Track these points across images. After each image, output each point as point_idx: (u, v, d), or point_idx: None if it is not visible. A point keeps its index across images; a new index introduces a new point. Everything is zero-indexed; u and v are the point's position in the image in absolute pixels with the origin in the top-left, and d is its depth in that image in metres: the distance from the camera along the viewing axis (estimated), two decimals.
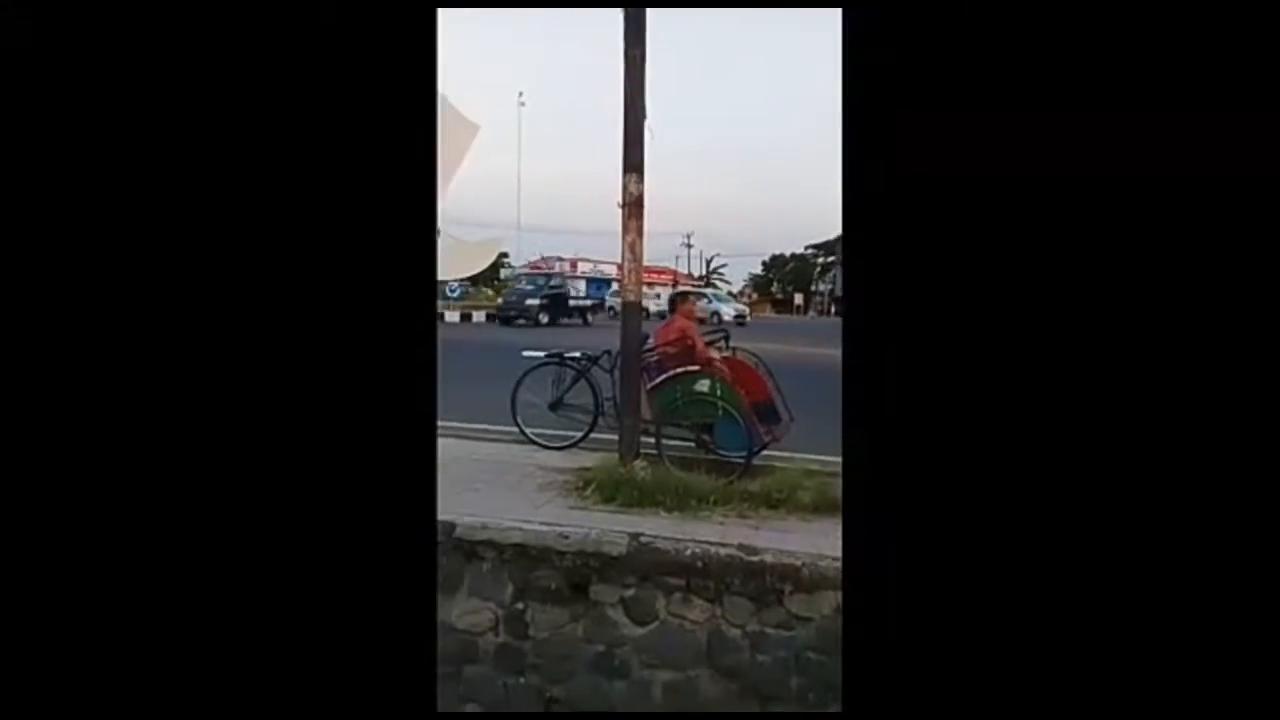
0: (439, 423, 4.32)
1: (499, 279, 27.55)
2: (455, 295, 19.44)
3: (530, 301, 18.60)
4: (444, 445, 4.04)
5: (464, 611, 2.71)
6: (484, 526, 2.72)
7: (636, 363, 3.65)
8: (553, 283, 20.56)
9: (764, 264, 49.08)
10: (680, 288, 7.24)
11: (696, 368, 3.77)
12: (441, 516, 2.76)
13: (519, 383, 4.20)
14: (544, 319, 18.00)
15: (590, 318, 20.02)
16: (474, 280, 21.75)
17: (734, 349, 4.21)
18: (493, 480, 3.37)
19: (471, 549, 2.72)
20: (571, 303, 19.56)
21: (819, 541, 2.57)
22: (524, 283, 20.68)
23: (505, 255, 26.21)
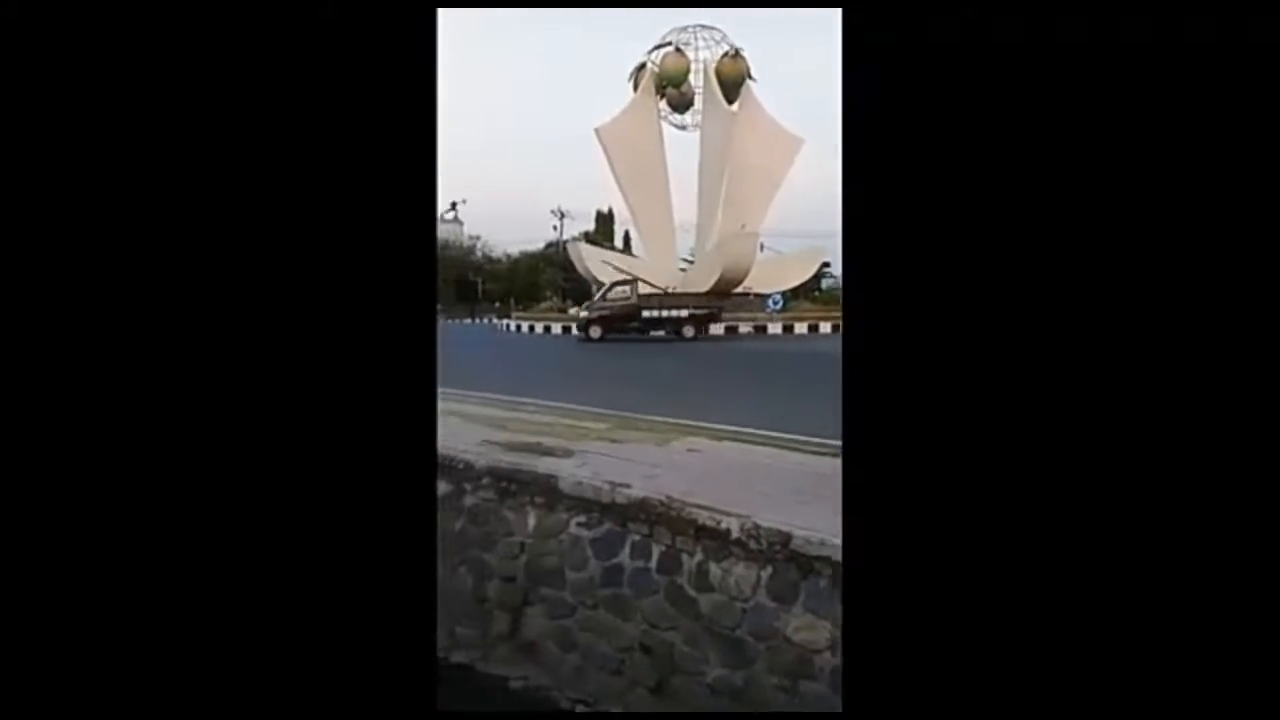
0: (759, 431, 4.35)
1: (820, 289, 27.25)
2: (777, 307, 19.70)
3: (583, 314, 17.19)
4: (768, 455, 4.11)
5: (799, 626, 2.69)
6: (822, 543, 2.66)
7: None
8: (610, 294, 17.62)
9: None
10: None
11: None
12: (776, 526, 2.78)
13: None
14: (595, 334, 16.47)
15: (689, 331, 16.84)
16: (795, 292, 21.85)
17: None
18: (822, 494, 3.29)
19: (808, 563, 2.69)
20: (648, 313, 16.90)
21: None
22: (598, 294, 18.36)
23: (827, 265, 25.84)
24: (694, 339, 16.58)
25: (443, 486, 4.30)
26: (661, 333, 16.83)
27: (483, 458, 4.19)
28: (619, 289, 17.67)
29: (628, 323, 16.64)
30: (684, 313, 17.04)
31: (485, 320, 33.21)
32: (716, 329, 18.25)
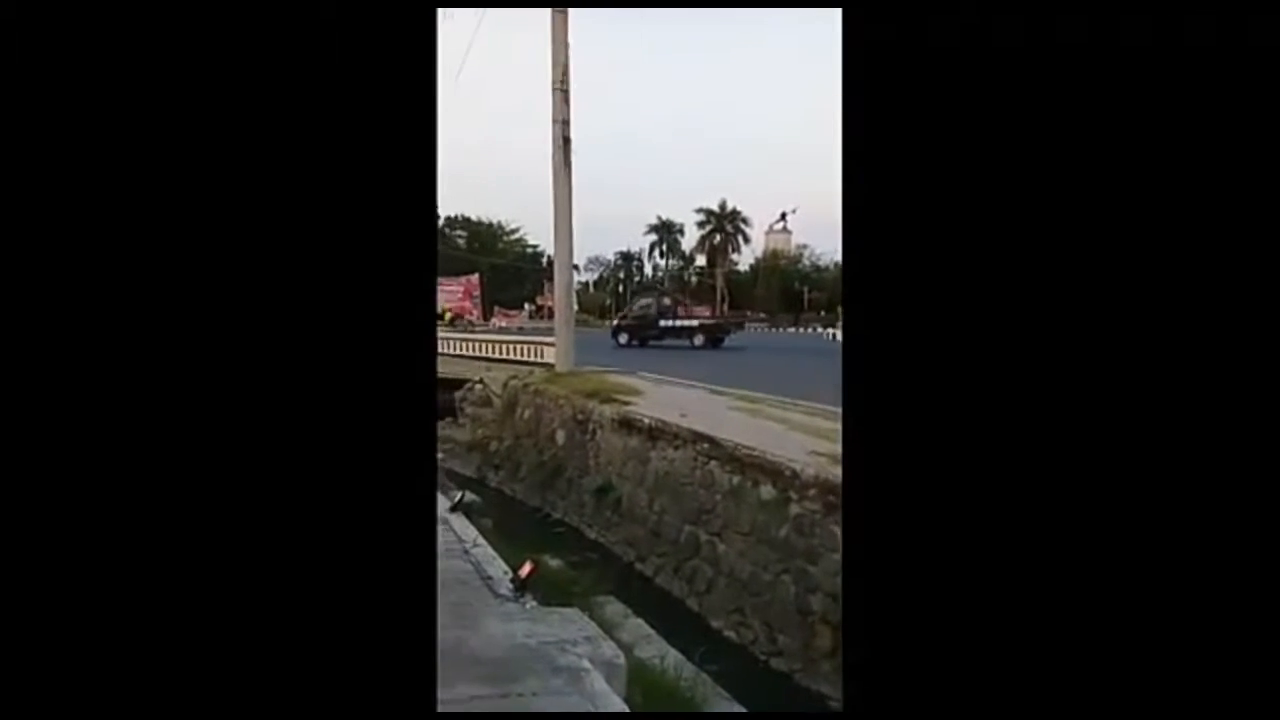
0: None
1: None
2: None
3: (615, 323, 20.61)
4: None
5: None
6: None
7: None
8: (638, 303, 20.47)
9: None
10: None
11: None
12: None
13: None
14: (623, 340, 18.50)
15: (699, 340, 17.85)
16: None
17: None
18: None
19: None
20: (664, 323, 18.63)
21: None
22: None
23: None
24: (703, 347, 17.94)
25: (768, 491, 4.39)
26: (676, 341, 18.58)
27: (809, 468, 4.16)
28: (643, 301, 20.52)
29: (648, 330, 18.78)
30: (694, 323, 18.79)
31: (810, 329, 33.09)
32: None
